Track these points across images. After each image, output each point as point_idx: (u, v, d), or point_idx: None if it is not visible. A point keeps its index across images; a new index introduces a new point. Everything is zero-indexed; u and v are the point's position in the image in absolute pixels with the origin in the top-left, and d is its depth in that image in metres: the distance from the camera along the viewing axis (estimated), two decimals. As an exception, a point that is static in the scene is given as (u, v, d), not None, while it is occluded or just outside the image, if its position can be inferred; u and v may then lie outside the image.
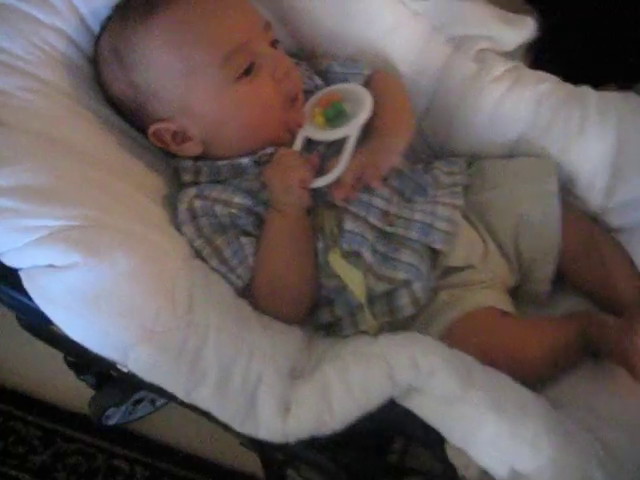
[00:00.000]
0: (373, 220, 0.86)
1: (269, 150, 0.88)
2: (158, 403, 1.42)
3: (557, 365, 0.84)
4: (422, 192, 0.91)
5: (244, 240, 0.84)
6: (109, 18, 0.89)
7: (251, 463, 1.36)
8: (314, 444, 0.88)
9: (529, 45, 1.01)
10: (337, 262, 0.84)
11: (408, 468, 0.93)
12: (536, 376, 0.82)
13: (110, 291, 0.72)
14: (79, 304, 0.71)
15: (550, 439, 0.70)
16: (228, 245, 0.84)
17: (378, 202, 0.87)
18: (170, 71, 0.84)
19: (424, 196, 0.90)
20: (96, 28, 0.90)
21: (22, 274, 0.73)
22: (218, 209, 0.84)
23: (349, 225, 0.85)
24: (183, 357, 0.73)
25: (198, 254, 0.83)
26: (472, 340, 0.80)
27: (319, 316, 0.89)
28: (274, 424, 0.74)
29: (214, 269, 0.83)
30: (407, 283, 0.85)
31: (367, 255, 0.85)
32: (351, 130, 0.85)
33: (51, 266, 0.72)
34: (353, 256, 0.85)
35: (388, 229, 0.87)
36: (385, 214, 0.87)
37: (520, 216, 0.91)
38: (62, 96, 0.84)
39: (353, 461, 0.92)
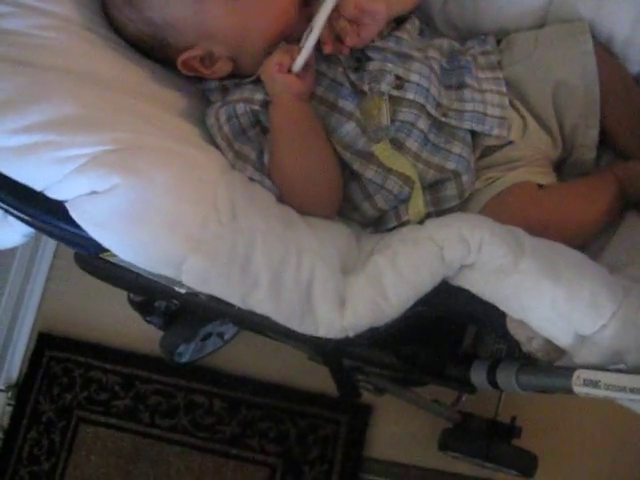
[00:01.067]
0: (430, 109, 0.86)
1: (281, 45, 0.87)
2: (227, 336, 1.44)
3: (599, 225, 0.83)
4: (467, 73, 0.89)
5: (265, 141, 0.84)
6: None
7: (320, 382, 1.40)
8: (377, 343, 0.89)
9: None
10: (385, 153, 0.84)
11: (475, 355, 0.93)
12: (580, 240, 0.80)
13: (153, 206, 0.71)
14: (126, 223, 0.72)
15: (609, 297, 0.68)
16: (252, 151, 0.84)
17: (434, 91, 0.86)
18: None
19: (469, 76, 0.89)
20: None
21: (68, 205, 0.73)
22: (239, 108, 0.84)
23: (402, 116, 0.85)
24: (233, 263, 0.72)
25: (233, 167, 0.83)
26: (507, 216, 0.78)
27: (364, 212, 0.89)
28: (332, 319, 0.73)
29: (251, 178, 0.83)
30: (456, 175, 0.85)
31: (412, 144, 0.85)
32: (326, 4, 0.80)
33: (94, 192, 0.72)
34: (398, 147, 0.85)
35: (443, 119, 0.87)
36: (439, 105, 0.87)
37: (557, 81, 0.88)
38: (81, 30, 0.83)
39: (418, 354, 0.93)
